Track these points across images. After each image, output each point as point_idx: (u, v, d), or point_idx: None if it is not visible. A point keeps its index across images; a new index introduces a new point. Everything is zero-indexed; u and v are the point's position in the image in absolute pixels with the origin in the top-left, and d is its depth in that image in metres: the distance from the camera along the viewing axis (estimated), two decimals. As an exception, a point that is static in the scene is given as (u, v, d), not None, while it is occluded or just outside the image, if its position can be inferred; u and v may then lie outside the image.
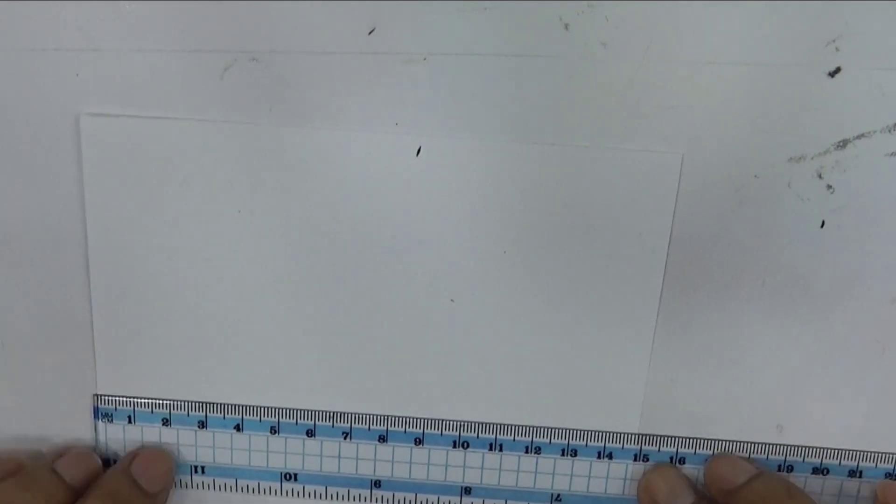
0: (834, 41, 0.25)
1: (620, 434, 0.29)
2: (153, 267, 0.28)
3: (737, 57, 0.25)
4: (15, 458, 0.29)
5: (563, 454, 0.30)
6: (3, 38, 0.26)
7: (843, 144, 0.26)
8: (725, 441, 0.29)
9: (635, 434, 0.29)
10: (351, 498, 0.31)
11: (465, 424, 0.30)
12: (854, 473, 0.30)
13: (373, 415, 0.30)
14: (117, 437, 0.30)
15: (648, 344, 0.28)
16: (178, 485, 0.31)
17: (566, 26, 0.25)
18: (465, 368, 0.29)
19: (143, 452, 0.29)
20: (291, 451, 0.30)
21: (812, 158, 0.26)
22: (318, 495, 0.31)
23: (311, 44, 0.26)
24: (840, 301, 0.28)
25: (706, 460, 0.29)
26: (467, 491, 0.30)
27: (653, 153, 0.26)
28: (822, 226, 0.27)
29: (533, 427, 0.30)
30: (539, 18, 0.25)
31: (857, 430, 0.29)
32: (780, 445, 0.29)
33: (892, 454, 0.29)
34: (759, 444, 0.29)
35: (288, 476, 0.30)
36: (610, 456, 0.30)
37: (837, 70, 0.25)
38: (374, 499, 0.31)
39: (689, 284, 0.28)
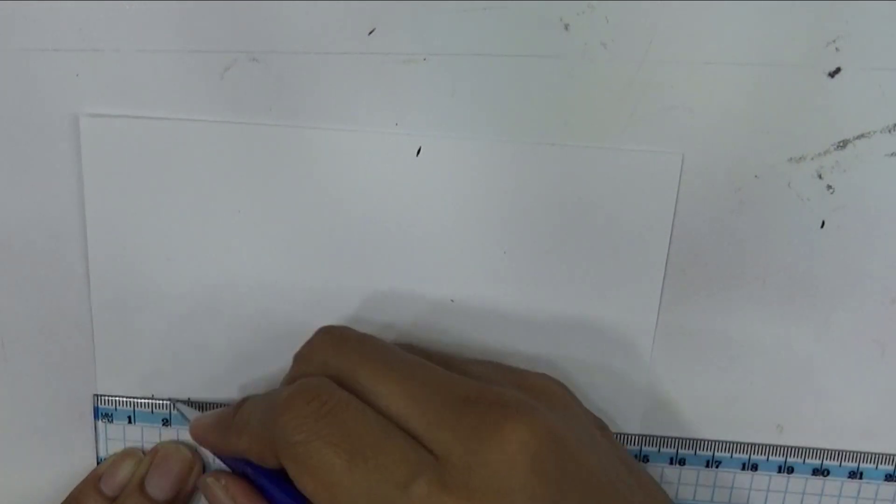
0: (834, 41, 0.25)
1: (620, 434, 0.29)
2: (153, 267, 0.28)
3: (737, 57, 0.25)
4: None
5: (563, 454, 0.30)
6: (3, 38, 0.26)
7: (843, 144, 0.26)
8: (725, 441, 0.29)
9: (635, 434, 0.29)
10: (351, 498, 0.31)
11: (465, 425, 0.29)
12: (854, 474, 0.29)
13: (373, 415, 0.30)
14: (117, 437, 0.30)
15: (648, 344, 0.28)
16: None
17: (566, 26, 0.25)
18: (465, 368, 0.29)
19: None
20: (291, 452, 0.30)
21: (812, 158, 0.26)
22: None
23: (311, 44, 0.26)
24: (840, 301, 0.28)
25: (707, 461, 0.29)
26: (467, 491, 0.30)
27: (653, 153, 0.26)
28: (822, 226, 0.27)
29: (533, 427, 0.29)
30: (539, 18, 0.25)
31: (857, 430, 0.29)
32: (780, 446, 0.29)
33: (892, 455, 0.29)
34: (759, 444, 0.29)
35: (288, 476, 0.30)
36: (610, 456, 0.30)
37: (837, 70, 0.25)
38: (373, 499, 0.31)
39: (689, 284, 0.28)
